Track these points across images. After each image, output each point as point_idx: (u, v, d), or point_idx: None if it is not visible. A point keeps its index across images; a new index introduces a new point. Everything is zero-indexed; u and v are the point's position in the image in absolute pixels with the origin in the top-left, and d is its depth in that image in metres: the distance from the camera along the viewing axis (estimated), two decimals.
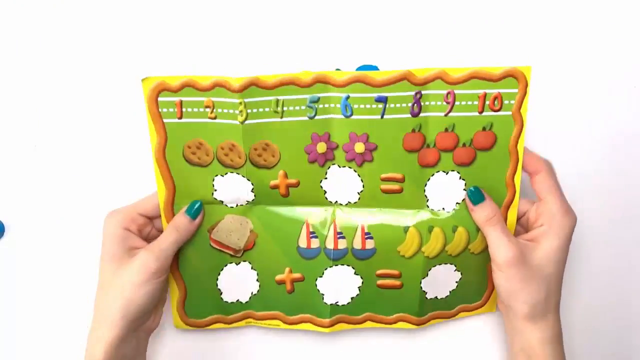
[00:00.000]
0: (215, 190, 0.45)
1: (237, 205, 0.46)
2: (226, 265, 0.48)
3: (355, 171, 0.45)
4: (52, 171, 0.48)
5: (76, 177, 0.48)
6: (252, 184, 0.45)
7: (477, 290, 0.50)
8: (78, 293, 0.49)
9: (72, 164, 0.48)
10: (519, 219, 0.46)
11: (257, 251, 0.47)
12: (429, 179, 0.45)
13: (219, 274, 0.48)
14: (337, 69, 0.45)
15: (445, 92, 0.42)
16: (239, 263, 0.48)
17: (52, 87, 0.47)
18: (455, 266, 0.48)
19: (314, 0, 0.48)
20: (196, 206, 0.45)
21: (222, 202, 0.46)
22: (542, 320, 0.44)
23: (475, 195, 0.45)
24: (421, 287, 0.48)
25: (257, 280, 0.48)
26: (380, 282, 0.48)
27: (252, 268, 0.48)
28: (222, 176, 0.45)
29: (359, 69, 0.45)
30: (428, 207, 0.46)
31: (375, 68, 0.45)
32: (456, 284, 0.49)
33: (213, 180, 0.45)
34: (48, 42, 0.47)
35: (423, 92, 0.42)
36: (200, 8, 0.47)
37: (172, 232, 0.44)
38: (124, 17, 0.47)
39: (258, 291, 0.49)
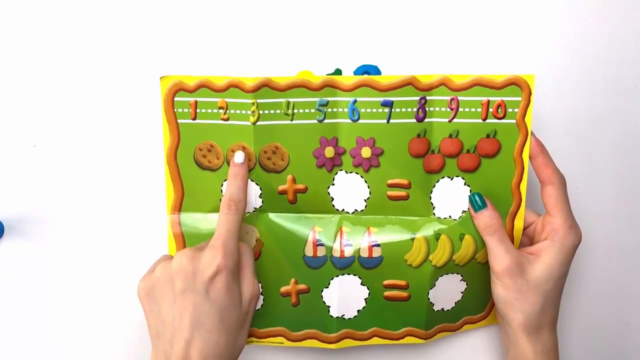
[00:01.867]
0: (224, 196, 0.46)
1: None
2: None
3: (362, 177, 0.45)
4: (52, 171, 0.48)
5: (76, 177, 0.48)
6: (261, 189, 0.45)
7: (480, 300, 0.49)
8: (78, 293, 0.49)
9: (72, 164, 0.48)
10: (525, 229, 0.46)
11: (263, 261, 0.47)
12: (435, 185, 0.46)
13: None
14: (338, 69, 0.47)
15: (449, 98, 0.44)
16: None
17: (52, 87, 0.48)
18: (462, 276, 0.47)
19: (316, 0, 0.49)
20: None
21: None
22: (536, 333, 0.44)
23: (477, 202, 0.45)
24: (429, 299, 0.47)
25: (261, 293, 0.47)
26: (387, 293, 0.47)
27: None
28: None
29: (359, 68, 0.47)
30: (434, 214, 0.46)
31: (375, 68, 0.47)
32: (461, 295, 0.48)
33: (222, 185, 0.45)
34: (48, 42, 0.47)
35: (428, 97, 0.44)
36: (196, 9, 0.48)
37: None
38: (123, 17, 0.48)
39: (262, 306, 0.47)
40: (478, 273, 0.47)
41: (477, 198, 0.45)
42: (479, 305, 0.49)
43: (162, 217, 0.47)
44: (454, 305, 0.48)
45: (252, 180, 0.45)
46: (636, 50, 0.51)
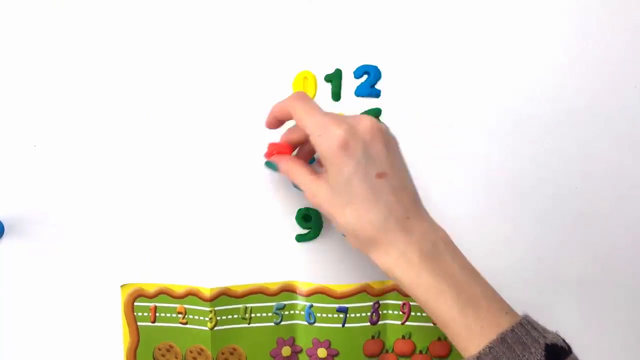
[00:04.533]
0: None
1: None
2: None
3: None
4: (52, 171, 0.47)
5: (76, 177, 0.48)
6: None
7: None
8: (78, 294, 0.48)
9: (72, 164, 0.48)
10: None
11: None
12: None
13: None
14: (338, 69, 0.47)
15: (401, 302, 0.46)
16: None
17: (52, 87, 0.47)
18: None
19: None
20: None
21: None
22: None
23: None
24: None
25: None
26: None
27: None
28: None
29: (359, 68, 0.47)
30: None
31: (375, 68, 0.47)
32: None
33: None
34: (48, 42, 0.47)
35: (381, 301, 0.46)
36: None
37: None
38: (123, 15, 0.48)
39: None
40: None
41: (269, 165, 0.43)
42: None
43: (164, 213, 0.47)
44: None
45: None
46: (636, 50, 0.50)
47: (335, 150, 0.37)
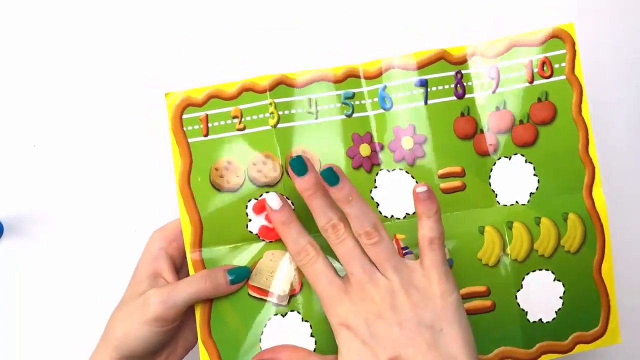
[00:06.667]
0: (250, 220, 0.39)
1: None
2: (270, 319, 0.38)
3: (408, 172, 0.39)
4: (52, 171, 0.48)
5: (76, 177, 0.48)
6: (292, 203, 0.39)
7: (590, 310, 0.40)
8: (78, 293, 0.47)
9: (72, 164, 0.48)
10: None
11: (306, 294, 0.38)
12: (492, 169, 0.39)
13: (262, 333, 0.38)
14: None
15: (487, 67, 0.39)
16: (286, 314, 0.38)
17: (52, 87, 0.47)
18: (554, 274, 0.39)
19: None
20: (243, 272, 0.38)
21: (259, 235, 0.39)
22: None
23: (330, 176, 0.34)
24: (518, 304, 0.38)
25: (311, 335, 0.38)
26: (466, 305, 0.38)
27: (302, 319, 0.38)
28: (257, 199, 0.39)
29: None
30: (499, 203, 0.39)
31: None
32: (561, 301, 0.39)
33: (246, 207, 0.39)
34: (49, 42, 0.47)
35: (463, 71, 0.39)
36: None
37: (197, 281, 0.37)
38: (125, 16, 0.48)
39: (315, 350, 0.38)
40: (574, 269, 0.39)
41: (328, 172, 0.34)
42: (589, 317, 0.40)
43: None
44: (555, 315, 0.39)
45: (283, 195, 0.39)
46: (636, 50, 0.49)
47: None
